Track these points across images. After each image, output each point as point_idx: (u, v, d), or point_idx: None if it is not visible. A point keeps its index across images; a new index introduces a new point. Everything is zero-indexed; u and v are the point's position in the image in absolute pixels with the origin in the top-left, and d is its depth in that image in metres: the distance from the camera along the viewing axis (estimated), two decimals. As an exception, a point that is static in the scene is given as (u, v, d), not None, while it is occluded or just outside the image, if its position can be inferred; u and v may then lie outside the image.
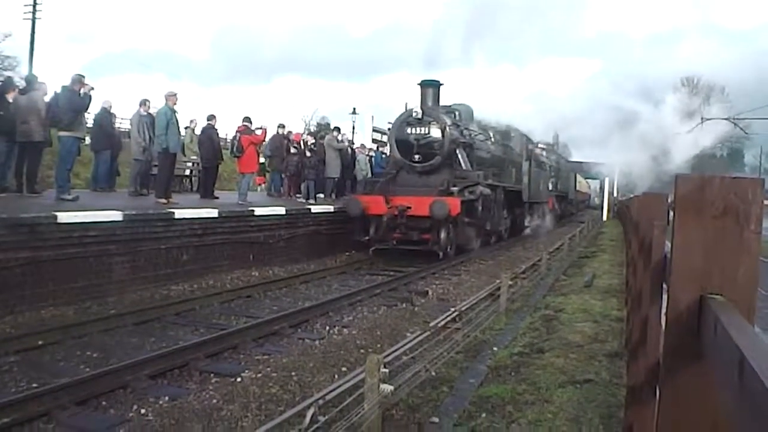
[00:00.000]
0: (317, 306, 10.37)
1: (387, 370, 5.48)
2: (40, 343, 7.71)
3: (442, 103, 20.59)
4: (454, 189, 17.32)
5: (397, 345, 7.16)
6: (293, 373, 6.90)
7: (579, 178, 56.30)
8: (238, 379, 6.71)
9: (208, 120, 18.38)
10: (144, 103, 16.55)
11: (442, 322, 8.53)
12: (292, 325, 9.18)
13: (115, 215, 10.84)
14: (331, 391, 5.41)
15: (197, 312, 10.06)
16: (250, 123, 18.24)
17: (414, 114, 18.34)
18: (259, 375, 6.85)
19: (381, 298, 11.66)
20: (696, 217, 1.70)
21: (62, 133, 13.54)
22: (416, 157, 18.25)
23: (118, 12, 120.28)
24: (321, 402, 5.16)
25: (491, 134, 22.98)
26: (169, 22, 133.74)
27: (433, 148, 18.15)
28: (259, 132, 18.37)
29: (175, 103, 15.22)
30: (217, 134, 18.89)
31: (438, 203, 15.94)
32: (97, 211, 10.79)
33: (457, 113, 20.23)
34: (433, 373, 6.81)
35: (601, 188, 61.88)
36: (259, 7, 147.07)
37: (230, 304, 10.80)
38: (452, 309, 9.34)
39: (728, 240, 1.68)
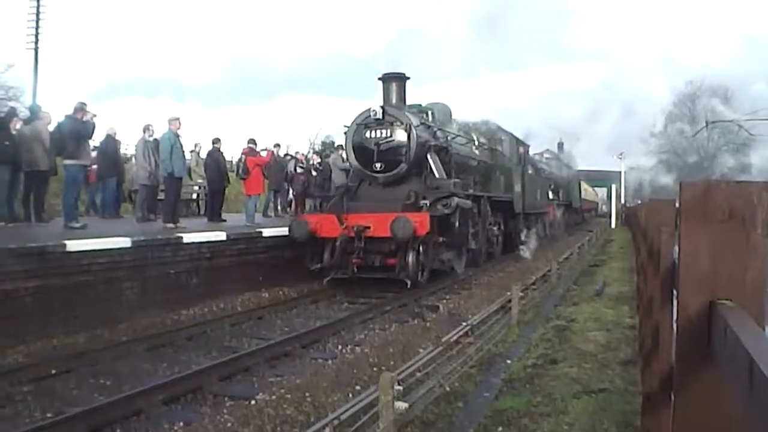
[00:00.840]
0: (329, 325, 10.37)
1: (401, 387, 5.47)
2: (52, 371, 7.71)
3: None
4: (424, 202, 14.49)
5: (410, 362, 7.15)
6: (307, 394, 6.88)
7: (584, 185, 53.77)
8: (253, 402, 6.69)
9: (213, 143, 18.50)
10: (147, 128, 16.66)
11: (455, 337, 8.51)
12: (304, 345, 9.18)
13: (124, 241, 10.88)
14: (345, 411, 5.40)
15: (209, 335, 10.06)
16: (255, 144, 18.32)
17: (372, 114, 15.34)
18: (273, 397, 6.83)
19: (392, 315, 11.64)
20: (702, 223, 1.70)
21: (67, 162, 13.64)
22: (377, 165, 15.31)
23: (121, 42, 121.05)
24: (336, 422, 5.15)
25: (475, 137, 19.87)
26: (172, 49, 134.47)
27: (397, 153, 15.20)
28: (264, 153, 18.46)
29: (178, 128, 15.31)
30: (223, 157, 18.97)
31: (399, 221, 13.00)
32: (106, 238, 10.83)
33: (429, 113, 17.46)
34: (447, 388, 6.79)
35: (609, 195, 61.86)
36: (263, 31, 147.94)
37: (241, 326, 10.80)
38: (464, 323, 9.32)
39: (735, 245, 1.68)
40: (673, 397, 2.13)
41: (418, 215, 13.51)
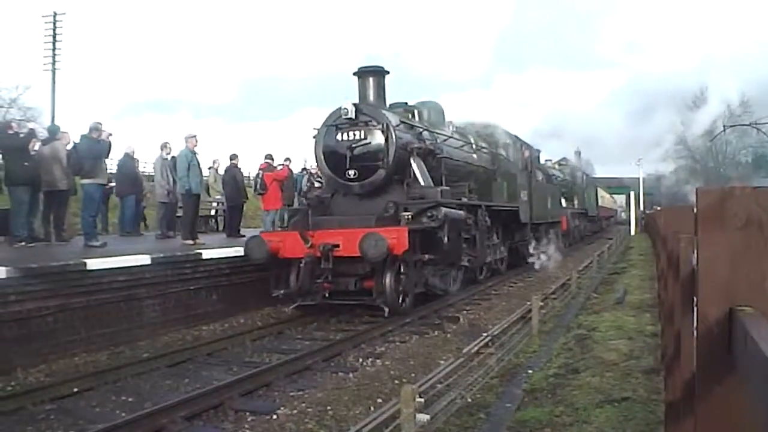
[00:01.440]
0: (349, 339, 10.36)
1: (422, 400, 5.46)
2: (74, 390, 7.75)
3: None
4: (406, 215, 12.64)
5: (431, 374, 7.14)
6: (329, 408, 6.88)
7: (602, 192, 53.06)
8: (274, 417, 6.70)
9: (231, 159, 18.62)
10: (165, 146, 16.80)
11: (475, 348, 8.49)
12: (324, 359, 9.17)
13: (144, 259, 10.95)
14: (367, 424, 5.40)
15: (229, 351, 10.08)
16: (272, 160, 18.41)
17: (343, 113, 13.28)
18: (295, 411, 6.84)
19: (412, 327, 11.62)
20: (719, 230, 1.70)
21: (84, 181, 13.81)
22: (351, 173, 13.34)
23: (138, 64, 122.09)
24: (357, 435, 5.14)
25: (473, 140, 18.29)
26: (189, 71, 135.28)
27: (374, 158, 13.25)
28: (280, 168, 18.53)
29: (195, 145, 15.44)
30: (241, 173, 19.09)
31: (370, 238, 11.02)
32: (126, 255, 10.90)
33: (416, 112, 15.74)
34: (469, 400, 6.77)
35: (627, 202, 61.60)
36: (278, 49, 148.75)
37: (262, 341, 10.82)
38: (484, 334, 9.30)
39: (753, 250, 1.68)
40: (696, 405, 2.11)
41: (394, 230, 11.63)
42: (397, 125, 13.50)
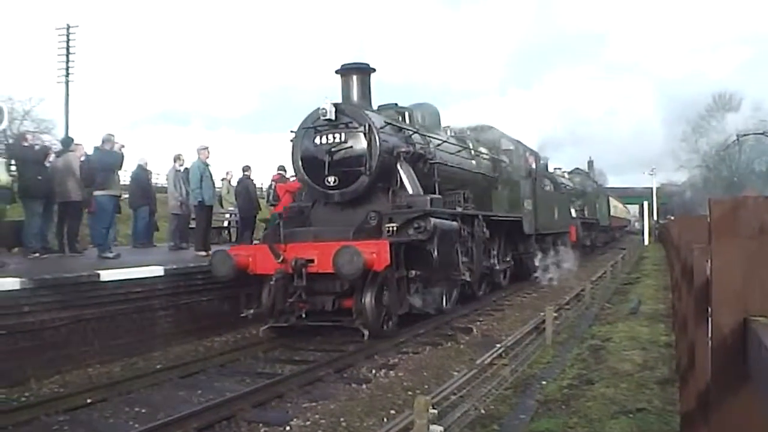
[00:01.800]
0: (362, 350, 10.34)
1: (436, 411, 5.43)
2: (88, 401, 7.76)
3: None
4: (390, 225, 11.43)
5: (444, 385, 7.11)
6: (342, 419, 6.87)
7: (614, 201, 51.86)
8: (287, 428, 6.69)
9: (243, 171, 18.67)
10: (178, 158, 16.89)
11: (488, 359, 8.46)
12: (337, 370, 9.16)
13: (157, 270, 11.00)
14: (380, 435, 5.39)
15: (242, 362, 10.08)
16: (285, 171, 18.45)
17: (322, 114, 12.02)
18: (308, 423, 6.82)
19: (425, 338, 11.58)
20: (732, 240, 1.69)
21: (97, 193, 13.86)
22: (330, 180, 12.15)
23: (152, 76, 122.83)
24: (370, 446, 5.13)
25: (471, 145, 17.23)
26: (204, 82, 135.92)
27: (356, 164, 12.04)
28: (293, 179, 18.55)
29: (207, 157, 15.52)
30: (254, 184, 19.13)
31: (344, 253, 9.92)
32: (139, 267, 10.94)
33: (407, 114, 14.53)
34: (483, 411, 6.74)
35: (641, 212, 61.40)
36: (292, 60, 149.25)
37: (275, 353, 10.81)
38: (498, 345, 9.27)
39: (767, 260, 1.66)
40: (709, 416, 2.10)
41: (373, 243, 10.51)
42: (382, 127, 12.32)
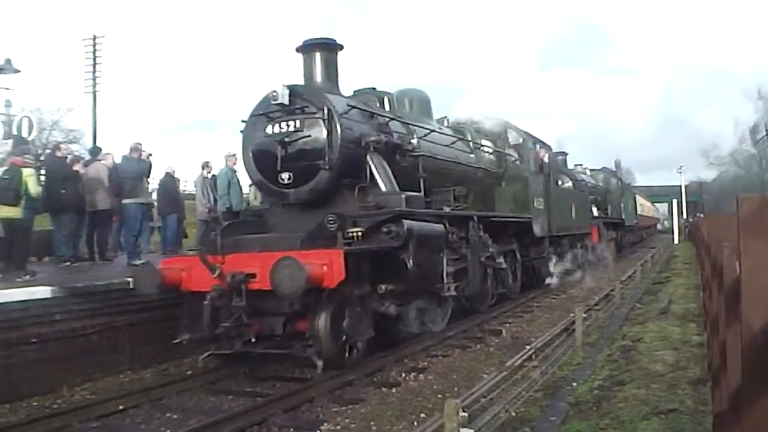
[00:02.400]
0: (391, 353, 10.33)
1: (466, 414, 5.43)
2: (120, 407, 7.82)
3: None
4: (355, 231, 9.26)
5: (474, 388, 7.10)
6: (372, 423, 6.88)
7: (641, 200, 49.80)
8: (318, 432, 6.72)
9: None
10: (206, 165, 16.99)
11: (518, 361, 8.43)
12: (367, 374, 9.16)
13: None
14: (410, 439, 5.39)
15: (271, 368, 10.11)
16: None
17: (273, 98, 10.08)
18: (338, 427, 6.85)
19: (454, 341, 11.55)
20: (761, 238, 1.67)
21: (126, 201, 14.02)
22: (284, 176, 10.23)
23: (177, 84, 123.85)
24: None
25: (470, 136, 15.17)
26: (231, 90, 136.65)
27: (314, 156, 10.10)
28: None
29: (234, 163, 15.59)
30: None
31: (283, 266, 7.90)
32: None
33: (386, 99, 12.31)
34: (513, 414, 6.72)
35: (670, 211, 60.93)
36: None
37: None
38: (527, 347, 9.23)
39: (797, 259, 1.64)
40: (742, 416, 2.08)
41: (325, 253, 8.37)
42: (346, 112, 10.29)
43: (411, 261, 9.55)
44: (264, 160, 10.48)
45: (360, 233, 9.34)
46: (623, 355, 9.11)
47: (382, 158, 10.51)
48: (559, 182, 21.24)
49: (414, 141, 11.83)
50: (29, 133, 16.38)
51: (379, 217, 9.63)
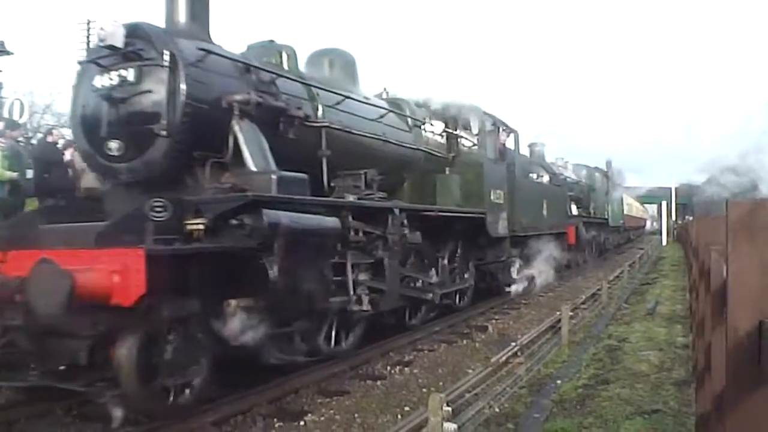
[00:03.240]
0: (377, 347, 10.34)
1: (450, 409, 5.44)
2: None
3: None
4: (193, 223, 6.55)
5: (459, 382, 7.12)
6: (356, 415, 6.89)
7: (629, 200, 48.21)
8: (302, 423, 6.72)
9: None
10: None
11: (504, 357, 8.46)
12: (352, 367, 9.16)
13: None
14: (394, 432, 5.41)
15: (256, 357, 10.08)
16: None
17: (101, 38, 7.32)
18: (323, 418, 6.85)
19: (440, 336, 11.56)
20: (749, 243, 1.68)
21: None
22: (112, 146, 7.56)
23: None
24: (385, 443, 5.14)
25: (408, 111, 12.42)
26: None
27: (150, 119, 7.38)
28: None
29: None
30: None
31: (37, 273, 5.46)
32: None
33: (284, 54, 9.66)
34: (497, 410, 6.74)
35: (659, 212, 61.12)
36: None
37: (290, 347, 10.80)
38: (513, 343, 9.27)
39: (784, 263, 1.66)
40: (725, 418, 2.10)
41: (117, 256, 5.68)
42: (199, 60, 7.51)
43: (275, 268, 6.79)
44: (91, 123, 7.71)
45: (202, 227, 6.54)
46: (608, 355, 9.15)
47: (255, 126, 7.72)
48: (534, 175, 19.69)
49: (319, 109, 9.34)
50: (21, 116, 16.28)
51: (227, 204, 6.77)
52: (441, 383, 8.16)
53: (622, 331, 10.89)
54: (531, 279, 17.46)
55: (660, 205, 59.53)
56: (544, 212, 18.90)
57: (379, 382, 8.40)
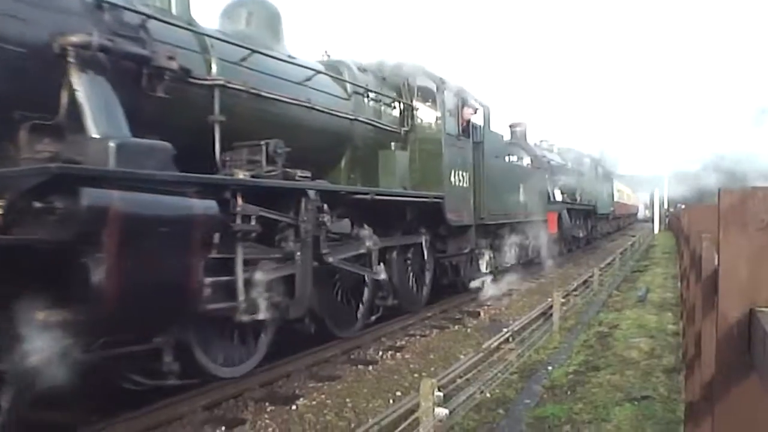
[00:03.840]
0: (369, 332, 10.34)
1: (441, 394, 5.47)
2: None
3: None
4: None
5: (450, 368, 7.15)
6: (348, 400, 6.92)
7: (620, 186, 46.81)
8: (293, 407, 6.73)
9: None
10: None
11: (495, 343, 8.49)
12: (344, 351, 9.18)
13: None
14: (386, 417, 5.43)
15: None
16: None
17: None
18: (314, 402, 6.87)
19: (433, 321, 11.58)
20: (741, 231, 1.69)
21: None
22: None
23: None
24: (377, 428, 5.17)
25: (346, 75, 10.56)
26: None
27: None
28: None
29: None
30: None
31: None
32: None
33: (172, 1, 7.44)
34: (488, 395, 6.78)
35: (652, 200, 61.19)
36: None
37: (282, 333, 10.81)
38: (505, 329, 9.30)
39: (774, 253, 1.67)
40: (714, 405, 2.11)
41: None
42: None
43: (100, 269, 4.87)
44: None
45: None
46: (599, 341, 9.19)
47: (103, 80, 5.79)
48: (514, 158, 18.22)
49: (213, 63, 7.36)
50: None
51: (27, 181, 4.77)
52: (432, 368, 8.20)
53: (613, 318, 10.93)
54: (498, 273, 15.40)
55: (653, 193, 59.58)
56: (521, 198, 16.80)
57: (370, 367, 8.42)
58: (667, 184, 56.84)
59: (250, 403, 6.99)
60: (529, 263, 18.27)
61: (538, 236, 18.30)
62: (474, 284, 13.97)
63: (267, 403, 6.95)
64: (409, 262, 11.47)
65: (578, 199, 26.98)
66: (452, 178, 12.11)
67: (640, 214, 73.09)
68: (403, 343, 9.93)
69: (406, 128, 11.87)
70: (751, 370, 1.63)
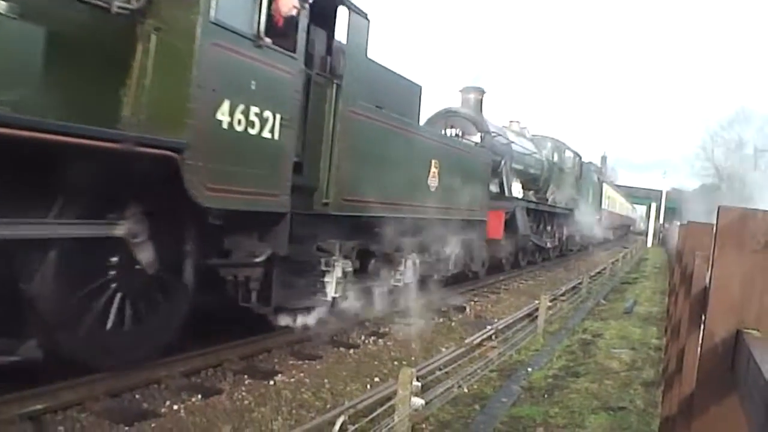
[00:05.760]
0: (354, 315, 10.31)
1: (419, 384, 5.48)
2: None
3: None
4: None
5: (431, 359, 7.16)
6: (326, 381, 6.92)
7: (611, 192, 42.20)
8: (271, 383, 6.74)
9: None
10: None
11: (478, 340, 8.51)
12: (327, 333, 9.17)
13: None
14: (362, 401, 5.44)
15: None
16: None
17: None
18: (292, 380, 6.88)
19: (417, 311, 11.56)
20: (736, 250, 1.68)
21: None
22: None
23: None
24: (352, 411, 5.18)
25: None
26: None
27: None
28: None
29: None
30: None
31: None
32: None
33: None
34: (466, 390, 6.79)
35: (648, 213, 61.24)
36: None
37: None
38: (489, 327, 9.31)
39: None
40: (692, 422, 2.11)
41: None
42: None
43: None
44: None
45: None
46: (582, 348, 9.21)
47: None
48: (452, 131, 15.12)
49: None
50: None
51: None
52: (413, 358, 8.21)
53: (598, 327, 10.95)
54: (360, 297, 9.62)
55: (649, 207, 59.65)
56: (433, 182, 11.57)
57: (352, 351, 8.43)
58: (664, 198, 56.92)
59: (228, 374, 7.00)
60: (453, 279, 13.86)
61: (469, 242, 13.87)
62: (284, 321, 8.29)
63: (246, 376, 6.95)
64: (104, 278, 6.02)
65: (549, 199, 22.92)
66: (223, 115, 6.27)
67: (636, 227, 73.07)
68: (387, 329, 9.91)
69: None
70: (733, 390, 1.63)
